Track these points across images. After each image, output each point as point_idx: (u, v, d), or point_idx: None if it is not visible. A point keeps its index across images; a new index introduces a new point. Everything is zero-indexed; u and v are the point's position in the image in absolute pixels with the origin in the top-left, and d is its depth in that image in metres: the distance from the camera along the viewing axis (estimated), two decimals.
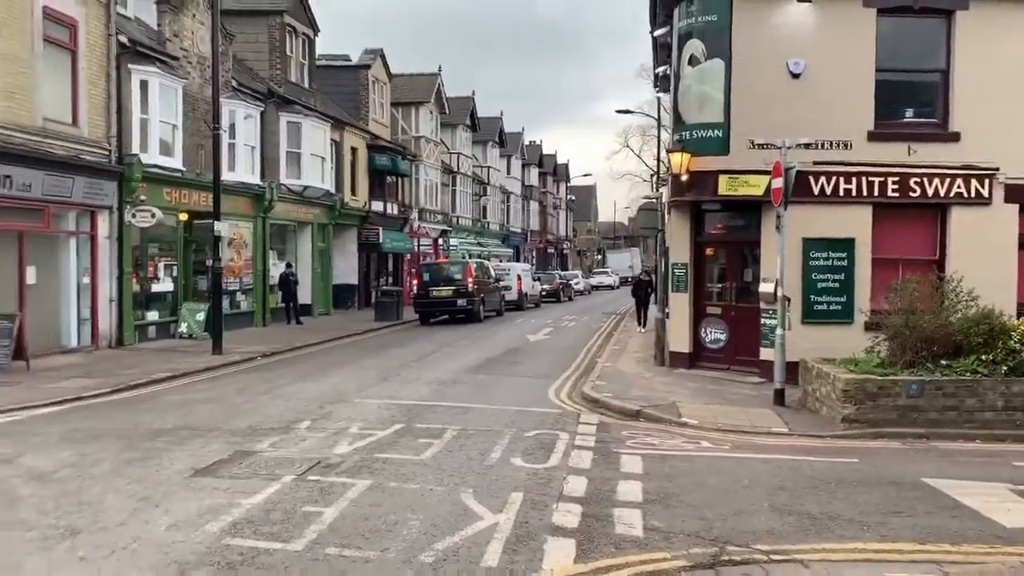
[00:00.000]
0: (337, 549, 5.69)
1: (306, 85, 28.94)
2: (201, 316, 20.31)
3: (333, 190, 29.02)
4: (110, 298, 18.01)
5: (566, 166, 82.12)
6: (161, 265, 20.55)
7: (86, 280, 17.59)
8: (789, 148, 11.99)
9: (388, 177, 35.45)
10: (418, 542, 5.84)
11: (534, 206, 68.53)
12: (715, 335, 15.21)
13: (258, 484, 7.31)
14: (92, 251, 17.69)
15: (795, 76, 13.88)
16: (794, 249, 13.43)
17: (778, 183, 11.84)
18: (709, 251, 15.68)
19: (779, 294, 11.87)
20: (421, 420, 10.46)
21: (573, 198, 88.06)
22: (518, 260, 51.17)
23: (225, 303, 20.46)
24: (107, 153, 17.86)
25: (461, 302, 27.31)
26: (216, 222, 17.65)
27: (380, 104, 35.48)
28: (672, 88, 15.43)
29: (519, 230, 61.99)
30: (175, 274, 20.92)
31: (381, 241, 33.33)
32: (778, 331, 11.87)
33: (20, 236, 15.77)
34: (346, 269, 32.00)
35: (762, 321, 13.16)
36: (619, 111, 76.60)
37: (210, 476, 7.68)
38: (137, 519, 6.41)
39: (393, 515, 6.47)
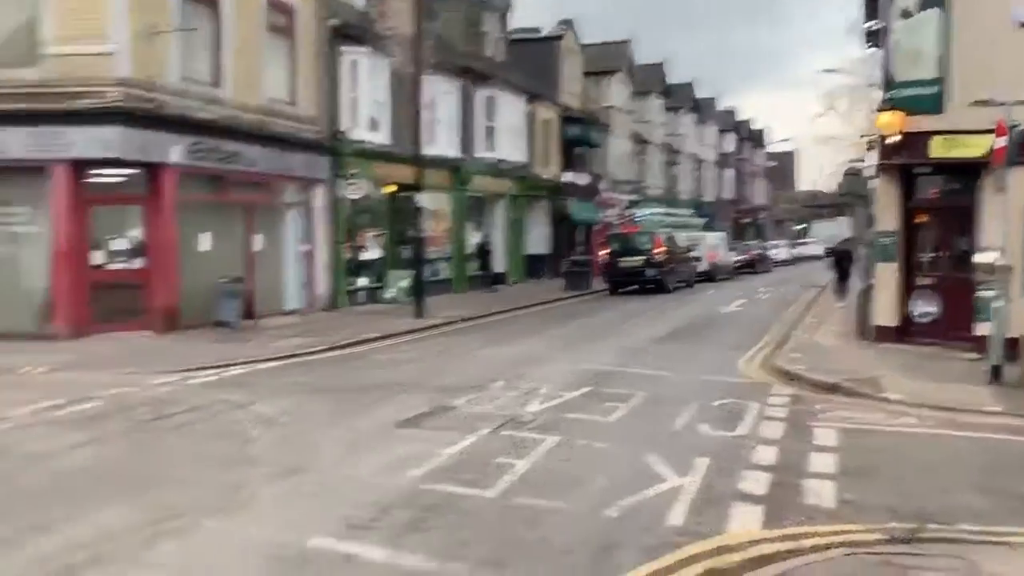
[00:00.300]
0: (528, 499, 6.02)
1: (500, 59, 29.66)
2: (405, 283, 21.54)
3: (526, 162, 29.66)
4: (325, 265, 19.57)
5: (762, 132, 78.68)
6: (369, 235, 22.01)
7: (304, 248, 19.20)
8: (1014, 105, 10.95)
9: (579, 148, 35.69)
10: (604, 497, 6.04)
11: (728, 174, 66.37)
12: (925, 308, 14.22)
13: (455, 436, 7.81)
14: (309, 222, 19.28)
15: (1023, 25, 12.56)
16: (1018, 216, 12.24)
17: (1001, 143, 10.85)
18: (920, 218, 14.60)
19: (1000, 264, 10.94)
20: (608, 385, 10.64)
21: (776, 163, 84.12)
22: (711, 230, 49.92)
23: (426, 271, 21.59)
24: (321, 130, 19.31)
25: (650, 272, 27.15)
26: (418, 194, 18.66)
27: (571, 75, 35.69)
28: (882, 44, 14.46)
29: (712, 199, 60.33)
30: (382, 243, 22.34)
31: (572, 212, 33.70)
32: (996, 304, 10.96)
33: (248, 208, 17.48)
34: (538, 239, 32.67)
35: (978, 293, 12.16)
36: (825, 71, 71.91)
37: (412, 427, 8.30)
38: (348, 462, 7.08)
39: (580, 471, 6.73)
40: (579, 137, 34.58)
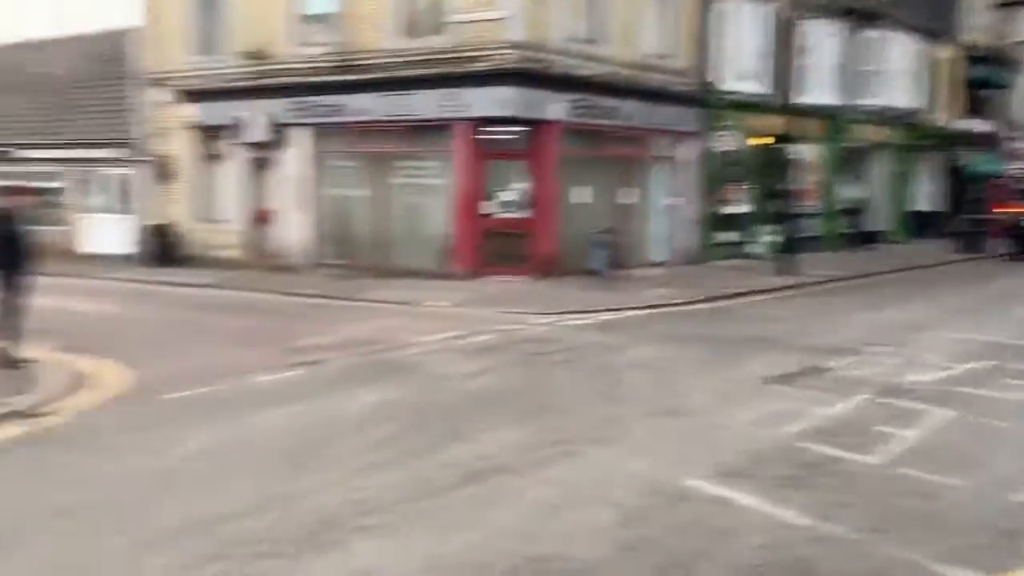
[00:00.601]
0: (915, 471, 5.63)
1: None
2: (771, 238, 20.86)
3: (917, 108, 26.85)
4: (691, 218, 19.66)
5: None
6: (737, 188, 21.58)
7: (671, 201, 19.43)
8: None
9: (982, 91, 31.37)
10: (1008, 480, 5.47)
11: None
12: None
13: (830, 398, 7.52)
14: (676, 175, 19.43)
15: None
16: None
17: None
18: None
19: None
20: (1008, 359, 9.43)
21: None
22: None
23: (796, 226, 20.71)
24: (692, 82, 19.23)
25: None
26: (791, 146, 17.87)
27: (977, 8, 31.31)
28: None
29: None
30: (749, 197, 21.80)
31: (969, 164, 29.89)
32: None
33: (621, 162, 18.11)
34: (923, 194, 29.56)
35: None
36: None
37: (783, 384, 8.14)
38: (718, 411, 7.19)
39: (977, 449, 6.14)
40: (984, 79, 30.36)
